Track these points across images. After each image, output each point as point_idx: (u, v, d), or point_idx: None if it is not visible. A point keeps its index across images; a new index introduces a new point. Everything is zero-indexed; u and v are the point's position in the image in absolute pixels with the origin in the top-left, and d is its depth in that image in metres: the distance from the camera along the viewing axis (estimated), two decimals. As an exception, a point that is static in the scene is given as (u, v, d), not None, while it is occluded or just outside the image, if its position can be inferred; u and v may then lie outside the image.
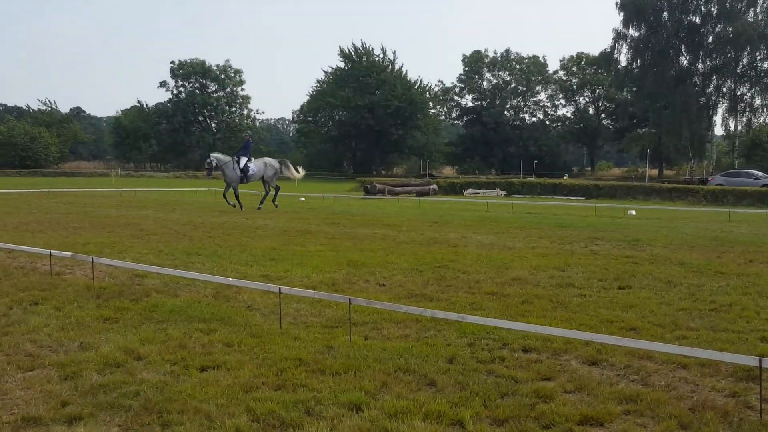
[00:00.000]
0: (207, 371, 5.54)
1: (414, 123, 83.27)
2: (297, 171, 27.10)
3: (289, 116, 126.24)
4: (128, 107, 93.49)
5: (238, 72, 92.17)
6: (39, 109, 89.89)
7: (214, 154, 24.59)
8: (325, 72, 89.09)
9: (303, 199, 31.48)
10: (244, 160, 24.20)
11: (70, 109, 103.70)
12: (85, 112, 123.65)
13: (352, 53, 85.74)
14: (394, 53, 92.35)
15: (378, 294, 8.79)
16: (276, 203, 25.03)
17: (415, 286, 9.42)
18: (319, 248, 13.22)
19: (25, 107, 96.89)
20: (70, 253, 9.95)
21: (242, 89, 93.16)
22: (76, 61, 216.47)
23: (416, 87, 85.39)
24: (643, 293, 9.16)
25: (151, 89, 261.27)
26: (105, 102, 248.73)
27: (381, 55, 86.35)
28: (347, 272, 10.49)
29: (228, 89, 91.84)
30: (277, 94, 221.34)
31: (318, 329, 6.97)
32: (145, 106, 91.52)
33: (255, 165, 24.63)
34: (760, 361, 4.85)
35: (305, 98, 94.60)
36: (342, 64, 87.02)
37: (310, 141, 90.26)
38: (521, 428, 4.51)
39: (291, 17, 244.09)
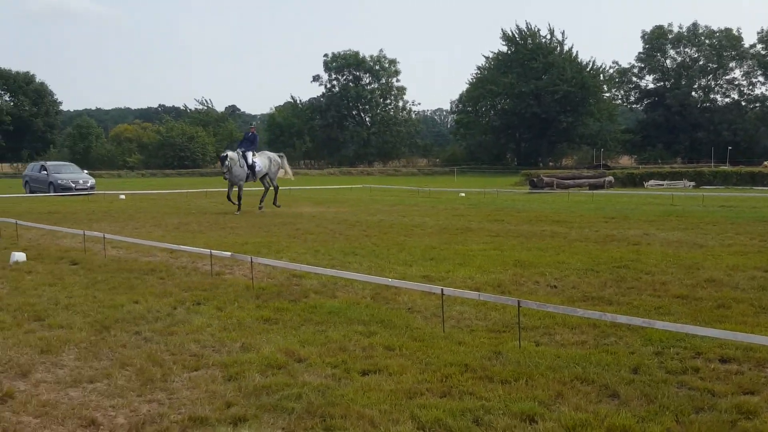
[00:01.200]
0: (368, 375, 5.68)
1: (585, 109, 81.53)
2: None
3: (446, 107, 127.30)
4: (282, 104, 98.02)
5: (393, 62, 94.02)
6: (196, 109, 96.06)
7: (230, 153, 23.06)
8: (486, 57, 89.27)
9: (463, 194, 31.59)
10: (250, 155, 22.97)
11: (225, 108, 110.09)
12: (239, 110, 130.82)
13: (516, 36, 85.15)
14: (562, 33, 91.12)
15: (549, 296, 8.66)
16: (278, 204, 23.98)
17: (591, 288, 9.20)
18: (483, 247, 13.20)
19: (182, 107, 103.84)
20: (229, 253, 10.53)
21: (397, 80, 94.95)
22: (230, 60, 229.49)
23: (588, 69, 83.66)
24: None
25: (304, 84, 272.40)
26: (259, 99, 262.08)
27: (548, 36, 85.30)
28: (514, 273, 10.42)
29: (383, 80, 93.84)
30: (434, 84, 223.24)
31: (484, 333, 6.97)
32: (298, 101, 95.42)
33: (260, 160, 23.41)
34: None
35: (464, 87, 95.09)
36: (505, 48, 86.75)
37: (469, 132, 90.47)
38: (720, 448, 4.29)
39: (448, 2, 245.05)
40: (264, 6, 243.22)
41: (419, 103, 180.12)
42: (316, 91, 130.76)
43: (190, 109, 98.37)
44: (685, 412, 4.84)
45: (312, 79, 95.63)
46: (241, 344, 6.62)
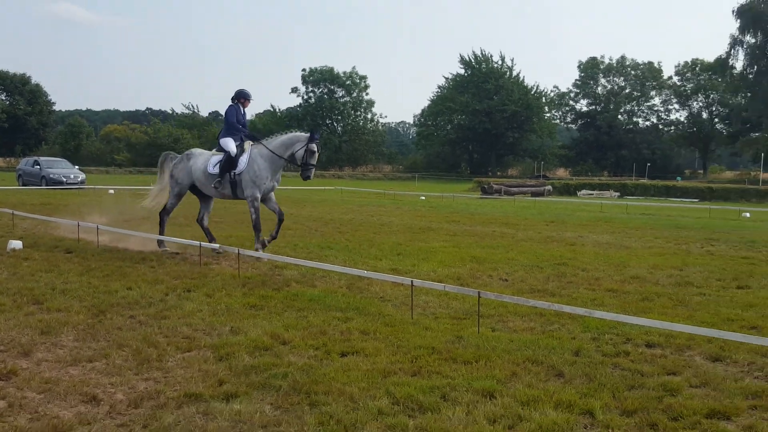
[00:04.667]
0: (347, 356, 5.63)
1: (529, 126, 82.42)
2: None
3: (409, 120, 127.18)
4: (262, 111, 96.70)
5: (363, 78, 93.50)
6: (182, 113, 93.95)
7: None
8: (446, 78, 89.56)
9: (423, 198, 31.62)
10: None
11: (209, 113, 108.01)
12: (222, 115, 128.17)
13: (472, 60, 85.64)
14: (512, 60, 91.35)
15: (501, 289, 8.70)
16: None
17: (537, 282, 9.27)
18: (443, 244, 13.22)
19: (170, 111, 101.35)
20: (218, 245, 10.38)
21: (366, 94, 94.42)
22: (217, 69, 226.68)
23: (532, 92, 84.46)
24: (762, 293, 8.78)
25: (284, 95, 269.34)
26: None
27: (499, 62, 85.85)
28: (471, 267, 10.44)
29: (354, 94, 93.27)
30: (399, 99, 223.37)
31: (447, 320, 6.97)
32: (277, 110, 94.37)
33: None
34: None
35: (426, 103, 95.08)
36: (462, 71, 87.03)
37: (429, 143, 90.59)
38: (650, 420, 4.35)
39: (413, 26, 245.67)
40: (250, 21, 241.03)
41: (386, 116, 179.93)
42: (294, 101, 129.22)
43: (176, 113, 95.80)
44: (619, 389, 4.90)
45: (291, 91, 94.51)
46: (230, 328, 6.48)
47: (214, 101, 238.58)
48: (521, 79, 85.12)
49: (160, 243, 11.48)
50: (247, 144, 11.26)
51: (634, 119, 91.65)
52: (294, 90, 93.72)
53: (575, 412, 4.45)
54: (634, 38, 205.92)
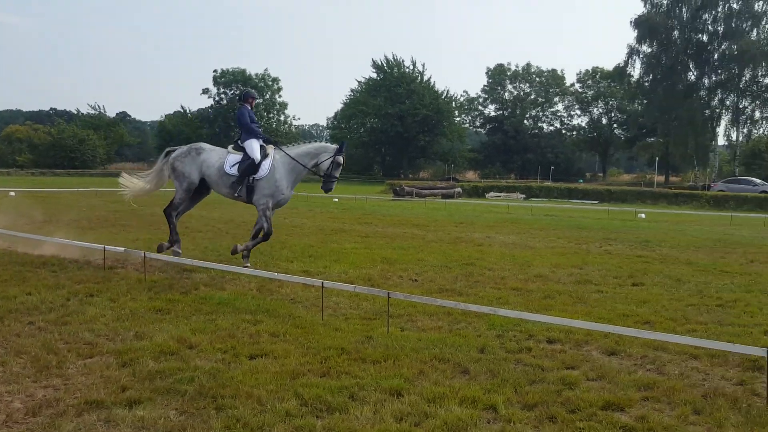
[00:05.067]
0: (256, 359, 5.55)
1: (440, 130, 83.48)
2: None
3: (323, 123, 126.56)
4: (172, 112, 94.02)
5: (275, 80, 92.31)
6: (88, 113, 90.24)
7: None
8: (359, 82, 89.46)
9: (336, 200, 31.54)
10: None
11: (117, 114, 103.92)
12: (130, 116, 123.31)
13: (384, 65, 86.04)
14: (423, 65, 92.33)
15: (411, 289, 8.78)
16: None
17: (445, 282, 9.41)
18: (354, 246, 13.23)
19: (75, 111, 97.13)
20: (123, 249, 10.02)
21: (279, 96, 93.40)
22: (124, 69, 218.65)
23: (443, 97, 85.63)
24: (655, 290, 9.18)
25: (194, 96, 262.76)
26: (150, 107, 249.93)
27: (411, 67, 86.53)
28: (381, 268, 10.50)
29: (267, 96, 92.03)
30: (312, 101, 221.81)
31: (357, 321, 6.98)
32: (188, 111, 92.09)
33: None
34: (767, 352, 4.89)
35: (339, 106, 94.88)
36: (374, 75, 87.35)
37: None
38: (550, 413, 4.49)
39: (327, 29, 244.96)
40: (157, 20, 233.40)
41: (299, 118, 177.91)
42: (205, 102, 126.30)
43: (82, 113, 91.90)
44: (521, 384, 5.04)
45: (202, 92, 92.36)
46: (135, 333, 6.27)
47: (122, 101, 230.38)
48: (432, 84, 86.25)
49: (172, 243, 10.67)
50: (270, 148, 10.60)
51: (539, 124, 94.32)
52: (205, 91, 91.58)
53: (479, 408, 4.56)
54: (539, 46, 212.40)
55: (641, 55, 64.90)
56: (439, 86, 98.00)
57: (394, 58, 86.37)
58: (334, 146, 10.53)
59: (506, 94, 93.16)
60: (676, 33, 63.09)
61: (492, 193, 44.17)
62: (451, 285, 9.17)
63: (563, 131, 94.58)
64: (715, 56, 62.84)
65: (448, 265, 10.89)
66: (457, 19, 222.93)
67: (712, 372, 5.52)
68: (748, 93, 63.64)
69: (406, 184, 42.85)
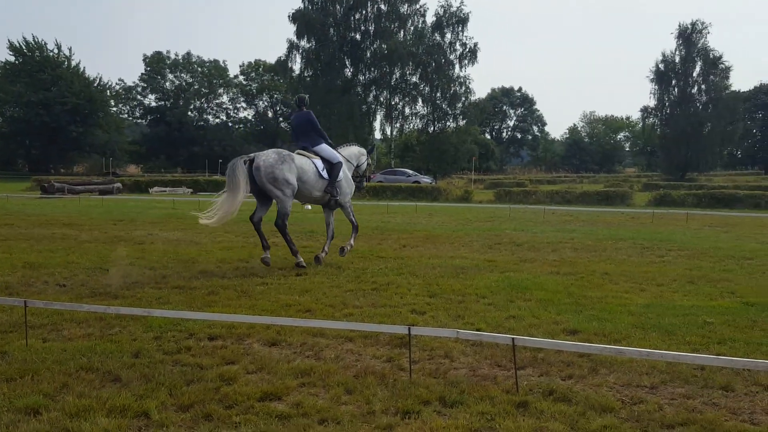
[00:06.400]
0: None
1: (94, 121, 78.02)
2: None
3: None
4: None
5: None
6: None
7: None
8: (-7, 66, 79.33)
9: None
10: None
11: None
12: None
13: (23, 47, 77.57)
14: (70, 49, 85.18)
15: (58, 295, 8.09)
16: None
17: (99, 285, 8.84)
18: None
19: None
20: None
21: None
22: None
23: (96, 84, 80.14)
24: (316, 278, 9.68)
25: None
26: None
27: (56, 51, 79.33)
28: (23, 274, 9.51)
29: None
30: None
31: (-12, 336, 6.20)
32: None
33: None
34: (409, 329, 5.42)
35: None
36: (12, 59, 78.25)
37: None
38: (206, 411, 4.47)
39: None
40: None
41: None
42: None
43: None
44: (177, 385, 4.94)
45: None
46: None
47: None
48: (82, 70, 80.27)
49: (295, 255, 10.83)
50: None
51: (205, 116, 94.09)
52: None
53: (129, 416, 4.35)
54: (201, 36, 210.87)
55: (301, 50, 68.01)
56: (91, 73, 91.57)
57: (34, 40, 78.53)
58: (363, 149, 12.25)
59: (167, 83, 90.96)
60: (331, 30, 67.29)
61: (156, 188, 42.78)
62: (106, 288, 8.64)
63: (230, 123, 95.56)
64: (368, 54, 68.54)
65: (104, 267, 10.27)
66: (112, 2, 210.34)
67: (364, 352, 5.94)
68: (398, 90, 70.55)
69: (57, 180, 39.45)
